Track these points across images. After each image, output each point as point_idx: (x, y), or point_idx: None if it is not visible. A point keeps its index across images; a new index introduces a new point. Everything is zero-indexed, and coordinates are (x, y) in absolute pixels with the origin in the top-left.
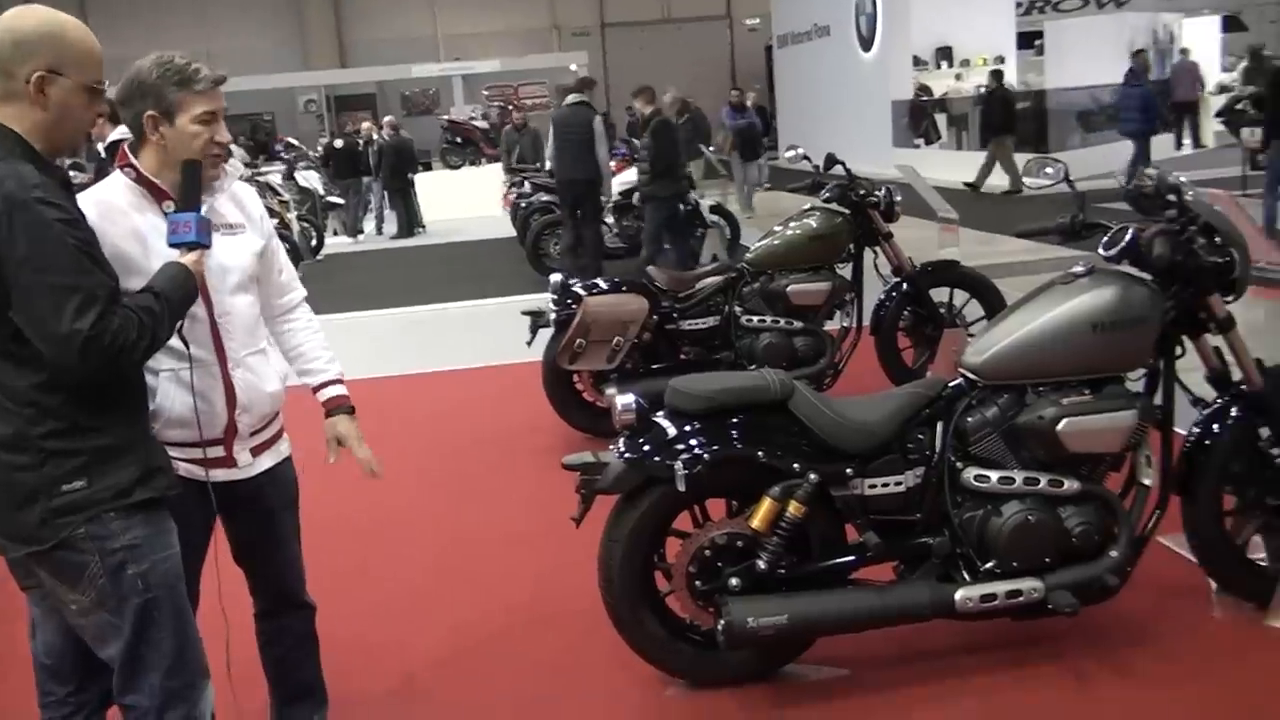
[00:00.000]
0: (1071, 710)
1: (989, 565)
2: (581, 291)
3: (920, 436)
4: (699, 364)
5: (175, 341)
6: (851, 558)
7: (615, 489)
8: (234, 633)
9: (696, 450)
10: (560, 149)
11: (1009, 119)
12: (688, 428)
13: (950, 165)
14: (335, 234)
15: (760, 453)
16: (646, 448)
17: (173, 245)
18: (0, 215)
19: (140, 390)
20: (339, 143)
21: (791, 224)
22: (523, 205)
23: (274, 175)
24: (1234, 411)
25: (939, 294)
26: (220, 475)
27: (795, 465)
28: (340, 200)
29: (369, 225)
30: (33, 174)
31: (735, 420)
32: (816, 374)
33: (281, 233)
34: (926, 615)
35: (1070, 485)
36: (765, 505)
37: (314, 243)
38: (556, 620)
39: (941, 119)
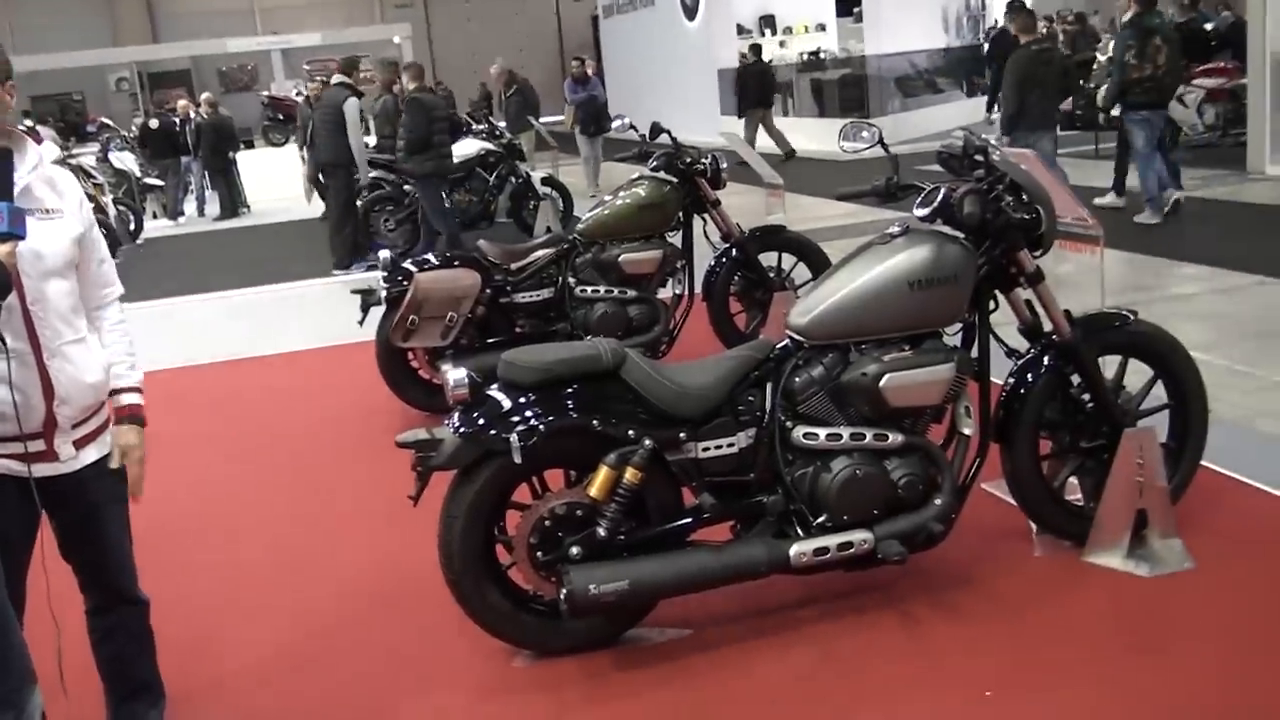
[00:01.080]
0: (906, 650)
1: (821, 520)
2: (412, 268)
3: (751, 398)
4: (534, 337)
5: None
6: (688, 520)
7: (451, 465)
8: (67, 632)
9: (531, 422)
10: (316, 131)
11: (766, 91)
12: (522, 400)
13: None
14: (155, 217)
15: (595, 421)
16: (481, 422)
17: None
18: None
19: None
20: (154, 122)
21: (620, 194)
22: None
23: (87, 157)
24: (1046, 361)
25: (768, 259)
26: (42, 470)
27: (630, 432)
28: (159, 182)
29: (190, 207)
30: None
31: (569, 391)
32: (652, 341)
33: (98, 217)
34: (764, 571)
35: (894, 438)
36: (602, 474)
37: (132, 227)
38: (399, 601)
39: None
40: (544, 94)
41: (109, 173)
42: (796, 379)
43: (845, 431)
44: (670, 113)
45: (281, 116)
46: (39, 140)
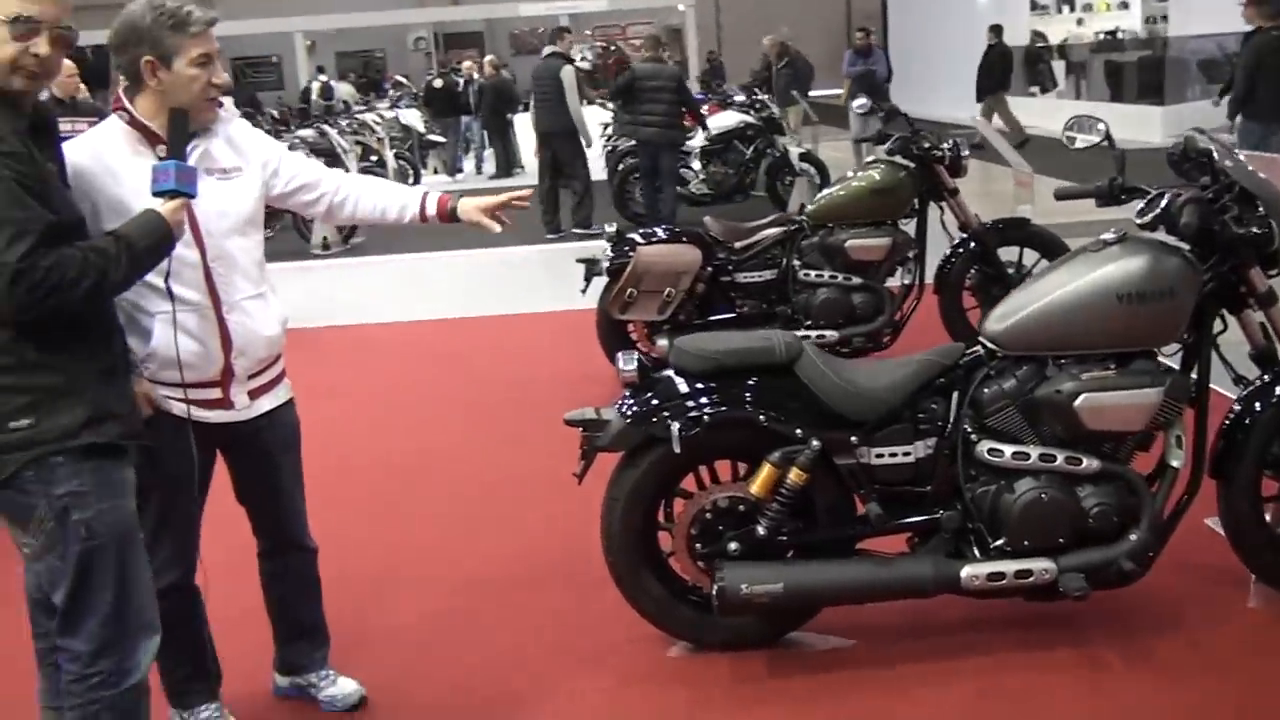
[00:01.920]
0: (1084, 695)
1: (999, 543)
2: (639, 240)
3: (934, 406)
4: (755, 318)
5: (161, 284)
6: (857, 527)
7: (614, 447)
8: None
9: (695, 411)
10: (536, 102)
11: (1005, 75)
12: (690, 388)
13: (1066, 116)
14: (435, 172)
15: (761, 416)
16: (646, 406)
17: (155, 194)
18: None
19: (100, 332)
20: (438, 82)
21: (854, 177)
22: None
23: (371, 113)
24: (1277, 392)
25: (1009, 253)
26: (217, 416)
27: (797, 431)
28: (440, 139)
29: (468, 164)
30: None
31: (739, 382)
32: (874, 331)
33: (374, 170)
34: (930, 591)
35: (1089, 464)
36: (765, 471)
37: (410, 180)
38: (565, 573)
39: (1059, 66)
40: (828, 66)
41: (396, 128)
42: (986, 390)
43: (1034, 451)
44: (952, 90)
45: None
46: (218, 105)
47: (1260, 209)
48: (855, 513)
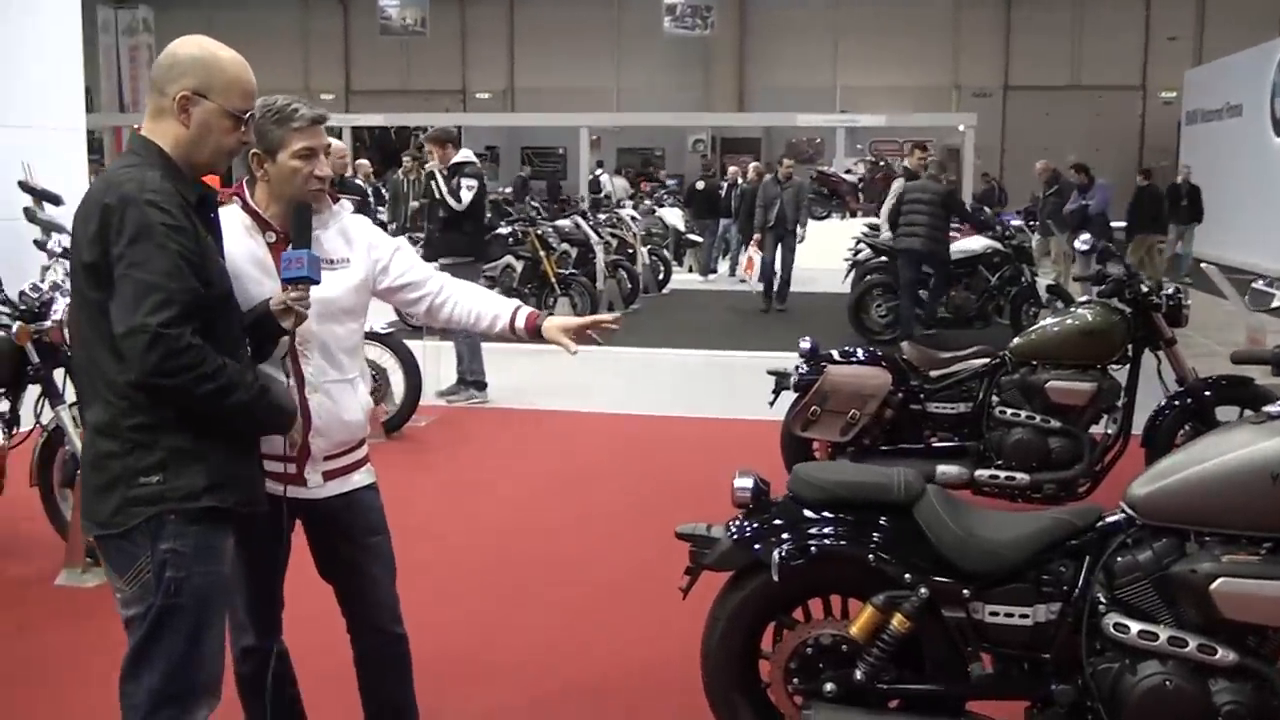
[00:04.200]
0: None
1: None
2: (837, 357)
3: (1062, 569)
4: (945, 450)
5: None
6: (967, 687)
7: (719, 567)
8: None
9: (800, 541)
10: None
11: (1158, 216)
12: (800, 517)
13: None
14: (690, 270)
15: (870, 556)
16: (754, 530)
17: (286, 281)
18: (115, 211)
19: None
20: (700, 184)
21: (1065, 316)
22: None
23: (630, 208)
24: None
25: (1228, 413)
26: (290, 492)
27: (906, 575)
28: (698, 239)
29: (723, 266)
30: (155, 180)
31: (852, 517)
32: (1069, 479)
33: (623, 264)
34: None
35: (1225, 655)
36: (867, 613)
37: (660, 276)
38: (677, 686)
39: None
40: (1113, 198)
41: (659, 225)
42: (1120, 559)
43: (1164, 633)
44: (1250, 234)
45: (827, 191)
46: (336, 200)
47: None
48: (965, 669)
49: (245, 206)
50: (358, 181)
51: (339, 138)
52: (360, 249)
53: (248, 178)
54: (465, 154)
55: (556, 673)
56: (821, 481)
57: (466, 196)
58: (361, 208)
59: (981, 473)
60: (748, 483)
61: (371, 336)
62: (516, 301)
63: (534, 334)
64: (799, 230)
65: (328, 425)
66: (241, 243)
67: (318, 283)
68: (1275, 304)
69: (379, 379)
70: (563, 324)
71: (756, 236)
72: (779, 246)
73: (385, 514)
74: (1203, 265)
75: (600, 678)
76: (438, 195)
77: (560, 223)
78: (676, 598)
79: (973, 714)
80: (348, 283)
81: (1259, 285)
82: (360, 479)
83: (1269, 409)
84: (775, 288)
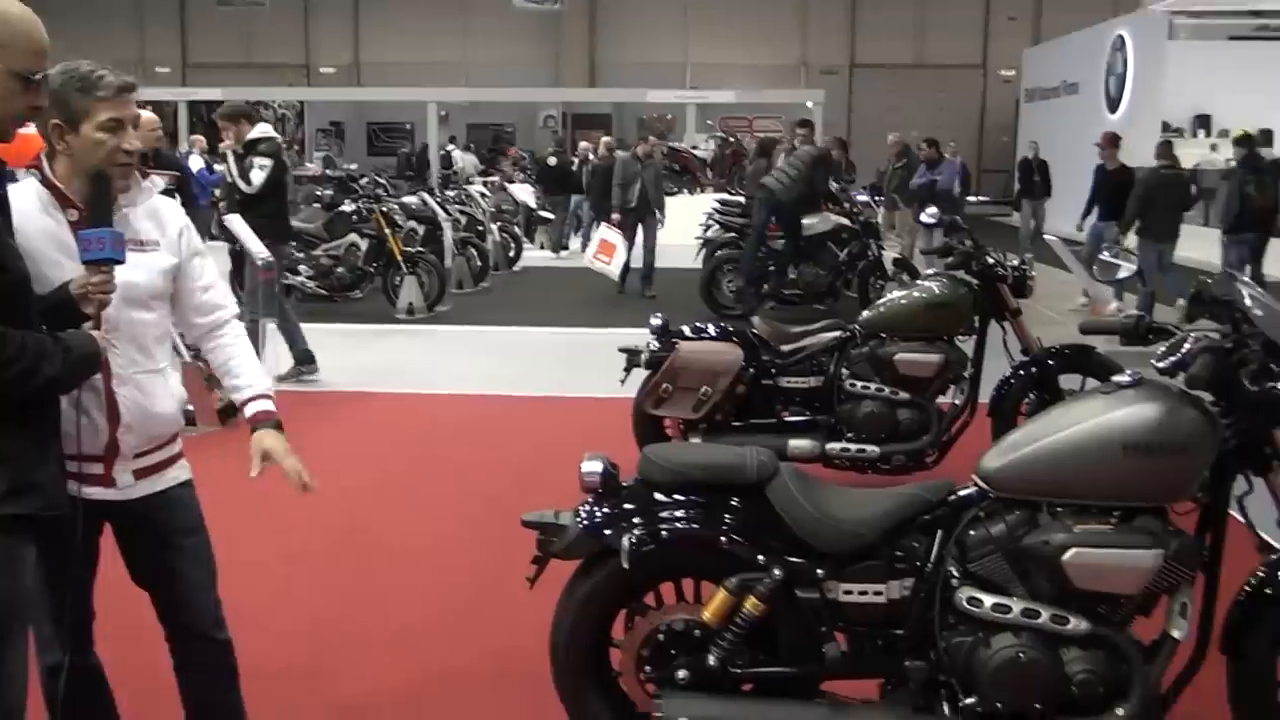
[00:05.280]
0: None
1: (971, 701)
2: (689, 333)
3: (915, 545)
4: (795, 425)
5: None
6: (819, 667)
7: (567, 555)
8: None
9: (650, 526)
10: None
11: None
12: (651, 501)
13: (1194, 242)
14: (542, 247)
15: (722, 538)
16: (603, 516)
17: (86, 262)
18: None
19: (31, 402)
20: (552, 160)
21: (914, 289)
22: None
23: (479, 186)
24: None
25: (1071, 381)
26: (98, 493)
27: (760, 557)
28: (550, 216)
29: (575, 243)
30: None
31: (703, 499)
32: (918, 450)
33: (473, 241)
34: None
35: (1077, 624)
36: (720, 597)
37: (511, 253)
38: (519, 679)
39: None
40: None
41: (509, 201)
42: (973, 532)
43: (1017, 605)
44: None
45: (677, 168)
46: (145, 175)
47: None
48: (820, 650)
49: (44, 181)
50: (194, 156)
51: (175, 113)
52: (172, 233)
53: (47, 150)
54: (262, 130)
55: (400, 671)
56: (672, 463)
57: (258, 178)
58: (181, 186)
59: (832, 446)
60: (596, 467)
61: None
62: (268, 386)
63: (250, 428)
64: (659, 212)
65: (137, 419)
66: (38, 221)
67: (122, 262)
68: (1122, 274)
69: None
70: (269, 448)
71: (615, 217)
72: (639, 228)
73: (203, 512)
74: (1046, 237)
75: (446, 675)
76: (228, 177)
77: (407, 199)
78: (527, 588)
79: (828, 694)
80: (156, 266)
81: (1106, 256)
82: (174, 475)
83: (1118, 379)
84: (643, 271)
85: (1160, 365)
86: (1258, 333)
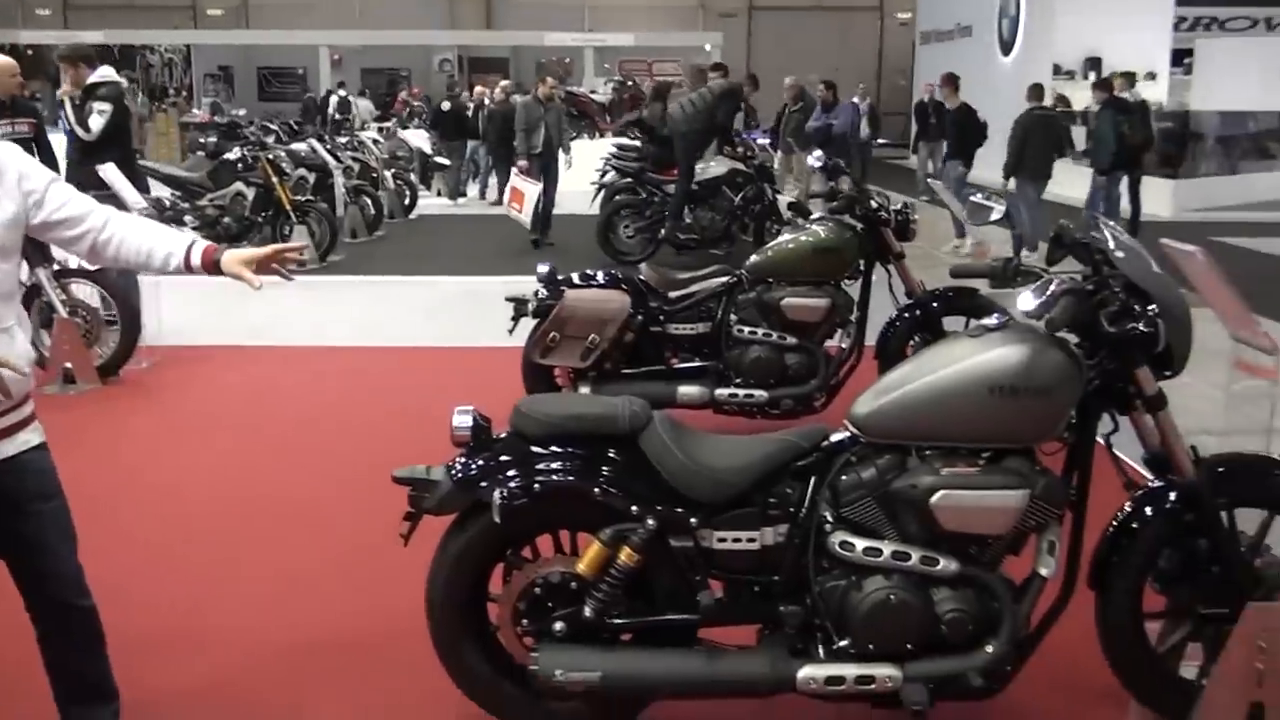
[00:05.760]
0: None
1: (844, 643)
2: (577, 280)
3: (788, 491)
4: (685, 371)
5: None
6: (696, 615)
7: (440, 510)
8: None
9: (522, 479)
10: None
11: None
12: (523, 453)
13: (1083, 181)
14: (439, 194)
15: (596, 489)
16: (475, 470)
17: None
18: None
19: None
20: (446, 104)
21: (800, 233)
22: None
23: (372, 132)
24: (1171, 498)
25: (955, 323)
26: None
27: (633, 508)
28: (446, 162)
29: (473, 190)
30: None
31: (576, 451)
32: (806, 394)
33: (366, 189)
34: (763, 691)
35: (946, 565)
36: (594, 549)
37: (407, 201)
38: (396, 637)
39: (1080, 133)
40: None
41: (403, 148)
42: (845, 477)
43: (887, 548)
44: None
45: (575, 112)
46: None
47: (1153, 307)
48: (698, 599)
49: None
50: (35, 103)
51: (55, 56)
52: (10, 180)
53: None
54: (103, 73)
55: (276, 635)
56: (544, 415)
57: (96, 124)
58: (38, 133)
59: (721, 392)
60: (466, 420)
61: (79, 274)
62: (192, 235)
63: (212, 268)
64: (563, 156)
65: None
66: None
67: None
68: (994, 217)
69: (90, 319)
70: (243, 256)
71: (522, 164)
72: (543, 173)
73: (59, 476)
74: (929, 180)
75: (323, 636)
76: (68, 125)
77: (295, 146)
78: (415, 550)
79: (705, 642)
80: None
81: (978, 199)
82: (25, 439)
83: (985, 322)
84: (542, 218)
85: (1025, 309)
86: (1119, 274)
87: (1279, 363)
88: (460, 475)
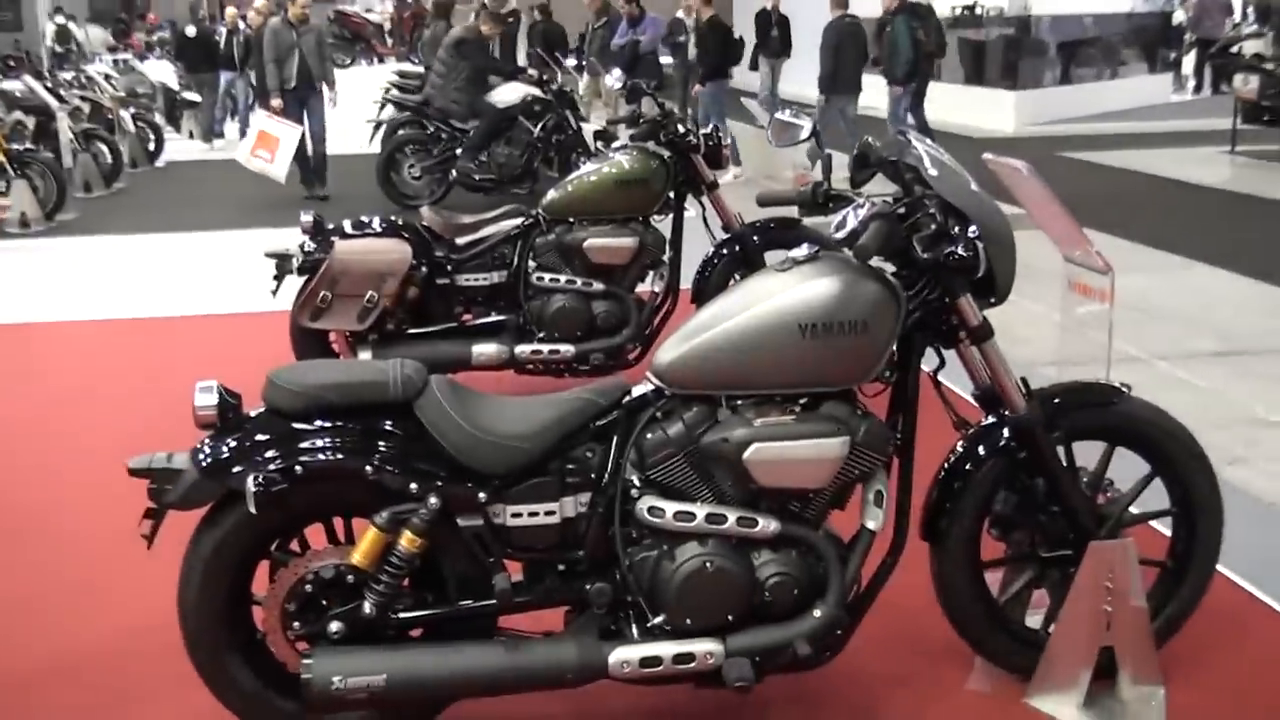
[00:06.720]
0: None
1: (659, 620)
2: (350, 229)
3: (588, 455)
4: (479, 328)
5: None
6: (493, 602)
7: (185, 504)
8: None
9: (280, 461)
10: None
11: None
12: (280, 431)
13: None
14: (191, 137)
15: (367, 468)
16: (225, 454)
17: None
18: None
19: None
20: (191, 30)
21: (601, 164)
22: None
23: (105, 66)
24: (1004, 436)
25: (778, 257)
26: None
27: (412, 486)
28: (196, 98)
29: (231, 128)
30: None
31: (343, 425)
32: (618, 346)
33: (100, 133)
34: (573, 680)
35: (766, 525)
36: (370, 536)
37: (151, 146)
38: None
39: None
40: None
41: (144, 83)
42: (650, 435)
43: (700, 511)
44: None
45: (349, 35)
46: None
47: (974, 230)
48: (493, 584)
49: None
50: None
51: None
52: None
53: None
54: None
55: (8, 661)
56: (301, 385)
57: None
58: None
59: (523, 348)
60: (210, 399)
61: None
62: None
63: None
64: (328, 92)
65: None
66: None
67: None
68: (803, 136)
69: None
70: None
71: (276, 103)
72: (304, 112)
73: None
74: (742, 99)
75: (62, 660)
76: None
77: (7, 85)
78: (156, 548)
79: (507, 631)
80: None
81: (783, 116)
82: None
83: (794, 254)
84: (312, 164)
85: (836, 236)
86: (933, 194)
87: (1113, 283)
88: (207, 461)
